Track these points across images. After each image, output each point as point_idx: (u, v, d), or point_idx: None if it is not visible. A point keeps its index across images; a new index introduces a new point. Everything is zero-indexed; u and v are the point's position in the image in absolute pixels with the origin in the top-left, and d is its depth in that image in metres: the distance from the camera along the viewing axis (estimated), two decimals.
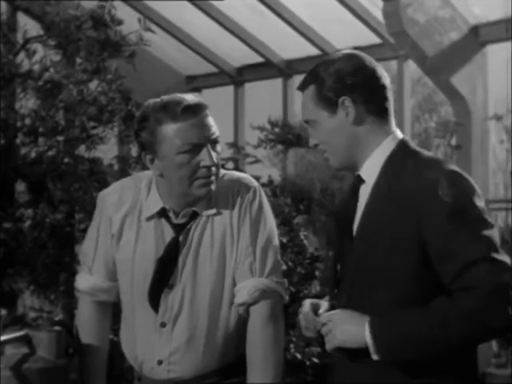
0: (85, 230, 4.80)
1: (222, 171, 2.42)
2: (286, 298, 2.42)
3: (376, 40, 6.40)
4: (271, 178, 5.50)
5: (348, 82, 2.12)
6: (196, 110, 2.29)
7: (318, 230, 5.31)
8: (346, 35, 6.54)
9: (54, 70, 4.15)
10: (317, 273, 4.49)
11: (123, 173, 4.29)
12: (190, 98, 2.31)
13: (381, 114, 2.15)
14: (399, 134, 2.17)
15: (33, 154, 4.50)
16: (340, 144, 2.15)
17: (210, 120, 2.32)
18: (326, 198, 5.46)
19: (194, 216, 2.37)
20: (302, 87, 2.19)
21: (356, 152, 2.16)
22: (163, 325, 2.36)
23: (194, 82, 7.94)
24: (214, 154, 2.30)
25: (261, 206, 2.39)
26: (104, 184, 4.14)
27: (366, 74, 2.14)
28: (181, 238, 2.35)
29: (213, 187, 2.33)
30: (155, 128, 2.28)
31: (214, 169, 2.31)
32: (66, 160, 4.20)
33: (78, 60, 4.35)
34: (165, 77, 7.77)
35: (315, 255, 4.56)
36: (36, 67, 4.42)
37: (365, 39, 6.48)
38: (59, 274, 4.79)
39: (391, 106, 2.18)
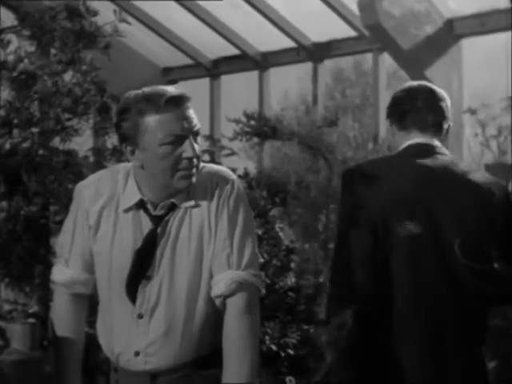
0: (60, 223, 4.77)
1: (201, 164, 2.43)
2: (263, 290, 2.43)
3: (351, 33, 6.42)
4: (247, 170, 5.50)
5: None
6: (179, 102, 2.29)
7: (294, 223, 5.33)
8: (321, 28, 6.55)
9: (28, 61, 4.10)
10: (292, 265, 4.51)
11: (98, 165, 4.26)
12: (172, 89, 2.32)
13: None
14: None
15: (7, 146, 4.46)
16: None
17: (192, 112, 2.33)
18: (301, 190, 5.47)
19: (173, 208, 2.37)
20: None
21: None
22: (140, 316, 2.37)
23: (170, 74, 7.91)
24: (196, 146, 2.31)
25: (239, 199, 2.40)
26: (79, 176, 4.10)
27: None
28: (159, 230, 2.36)
29: (193, 180, 2.34)
30: (137, 119, 2.28)
31: (195, 160, 2.32)
32: (41, 152, 4.15)
33: (53, 51, 4.31)
34: (141, 69, 7.74)
35: (290, 247, 4.57)
36: (10, 58, 4.38)
37: (340, 32, 6.50)
38: (34, 267, 4.75)
39: None
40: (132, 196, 2.38)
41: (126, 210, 2.38)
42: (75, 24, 4.11)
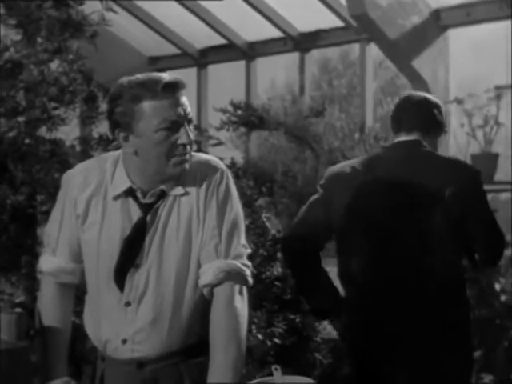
0: (47, 212, 4.76)
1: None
2: (251, 280, 2.44)
3: (339, 23, 6.41)
4: (234, 160, 5.50)
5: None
6: (175, 88, 2.31)
7: (280, 212, 5.34)
8: (309, 18, 6.54)
9: (14, 50, 4.09)
10: (278, 255, 4.51)
11: (85, 154, 4.26)
12: (168, 76, 2.33)
13: None
14: None
15: None
16: None
17: (186, 99, 2.34)
18: (287, 180, 5.48)
19: (162, 195, 2.37)
20: None
21: None
22: (128, 304, 2.37)
23: (157, 64, 7.88)
24: (190, 133, 2.33)
25: (228, 189, 2.41)
26: (66, 165, 4.10)
27: None
28: (148, 218, 2.36)
29: (187, 166, 2.35)
30: (132, 105, 2.28)
31: (189, 147, 2.33)
32: (27, 141, 4.15)
33: (39, 40, 4.30)
34: (127, 58, 7.71)
35: (277, 237, 4.57)
36: None
37: (327, 22, 6.49)
38: (21, 257, 4.75)
39: None
40: (121, 183, 2.38)
41: (115, 198, 2.39)
42: (62, 13, 4.09)
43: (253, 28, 6.99)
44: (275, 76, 11.20)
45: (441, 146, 5.84)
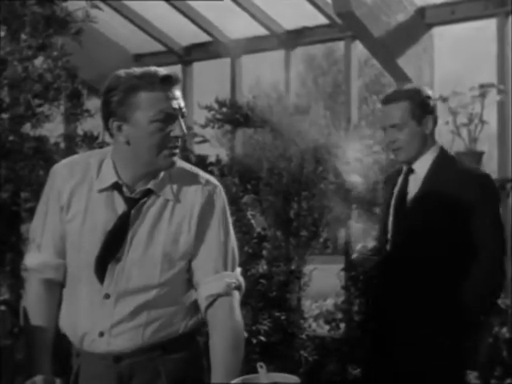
0: (31, 209, 4.74)
1: (183, 164, 2.50)
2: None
3: (323, 20, 6.41)
4: (219, 157, 5.50)
5: (431, 106, 3.27)
6: (172, 82, 2.37)
7: (266, 210, 5.33)
8: (293, 15, 6.53)
9: None
10: (264, 252, 4.52)
11: (69, 151, 4.24)
12: (164, 70, 2.40)
13: (434, 127, 3.29)
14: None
15: None
16: (417, 144, 3.20)
17: (180, 93, 2.41)
18: (273, 177, 5.47)
19: (148, 193, 2.40)
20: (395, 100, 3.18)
21: (419, 151, 3.21)
22: (107, 296, 2.38)
23: (142, 61, 7.84)
24: (183, 126, 2.38)
25: (225, 204, 2.50)
26: (50, 162, 4.08)
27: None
28: (133, 212, 2.38)
29: (176, 159, 2.40)
30: (129, 95, 2.34)
31: (180, 141, 2.39)
32: (11, 138, 4.12)
33: (23, 36, 4.27)
34: (111, 55, 7.67)
35: (262, 235, 4.57)
36: None
37: (312, 19, 6.48)
38: (5, 254, 4.72)
39: None
40: (107, 178, 2.41)
41: (100, 191, 2.41)
42: (46, 9, 4.07)
43: (238, 25, 6.98)
44: (260, 73, 11.20)
45: None
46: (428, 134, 3.25)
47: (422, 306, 3.08)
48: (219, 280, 2.44)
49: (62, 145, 4.45)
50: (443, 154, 3.26)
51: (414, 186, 3.23)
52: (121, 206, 2.40)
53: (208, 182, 2.49)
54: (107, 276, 2.37)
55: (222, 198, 2.50)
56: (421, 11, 5.89)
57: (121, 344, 2.38)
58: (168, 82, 2.36)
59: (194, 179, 2.48)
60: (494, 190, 3.24)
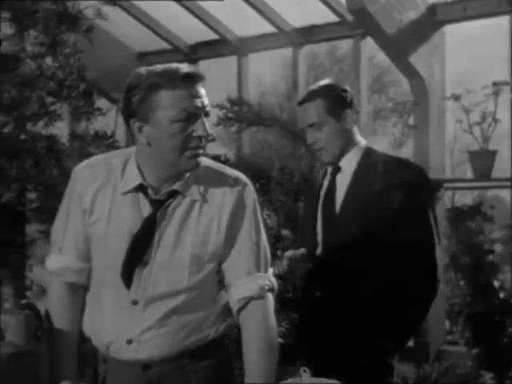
0: (36, 210, 4.68)
1: (209, 162, 2.40)
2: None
3: (332, 18, 6.34)
4: (227, 156, 5.43)
5: (348, 99, 3.02)
6: (195, 79, 2.26)
7: (277, 210, 5.26)
8: (302, 13, 6.47)
9: (8, 43, 3.99)
10: (278, 253, 4.45)
11: (82, 150, 4.17)
12: (186, 66, 2.28)
13: (356, 122, 3.07)
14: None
15: None
16: (339, 141, 3.00)
17: (204, 91, 2.29)
18: (284, 176, 5.41)
19: (173, 194, 2.31)
20: (309, 99, 2.99)
21: (343, 149, 3.02)
22: (135, 302, 2.30)
23: (146, 59, 7.77)
24: (207, 126, 2.26)
25: (256, 204, 2.40)
26: (62, 161, 4.03)
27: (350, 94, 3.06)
28: (158, 214, 2.29)
29: (200, 160, 2.30)
30: (150, 94, 2.24)
31: (204, 141, 2.27)
32: (23, 137, 4.05)
33: (34, 33, 4.20)
34: (115, 53, 7.60)
35: (278, 235, 4.51)
36: None
37: (321, 17, 6.42)
38: (9, 255, 4.67)
39: None
40: (132, 179, 2.33)
41: (125, 193, 2.32)
42: (58, 6, 4.00)
43: (245, 23, 6.91)
44: (266, 72, 11.16)
45: (438, 142, 5.84)
46: (350, 130, 3.03)
47: (355, 317, 2.94)
48: (252, 282, 2.36)
49: (73, 144, 4.37)
50: (370, 150, 3.06)
51: (342, 185, 3.03)
52: (146, 208, 2.32)
53: (237, 180, 2.39)
54: (134, 280, 2.30)
55: (252, 197, 2.40)
56: (432, 8, 5.83)
57: (150, 351, 2.31)
58: (190, 79, 2.24)
59: (221, 178, 2.38)
60: (422, 186, 3.00)
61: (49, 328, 2.42)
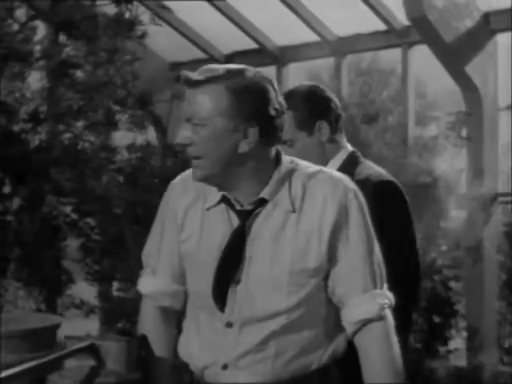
0: (72, 223, 4.52)
1: (302, 163, 2.18)
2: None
3: (381, 26, 6.17)
4: None
5: (321, 108, 2.69)
6: (186, 83, 2.10)
7: None
8: (347, 20, 6.30)
9: (68, 50, 3.81)
10: None
11: (143, 162, 3.97)
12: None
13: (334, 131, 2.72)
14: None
15: (36, 141, 4.17)
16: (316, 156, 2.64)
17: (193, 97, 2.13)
18: None
19: (261, 203, 2.10)
20: None
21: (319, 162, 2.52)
22: (230, 325, 2.10)
23: (179, 69, 7.58)
24: (181, 132, 2.11)
25: (363, 208, 2.15)
26: (120, 173, 3.86)
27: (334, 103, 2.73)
28: (247, 225, 2.10)
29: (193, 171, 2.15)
30: None
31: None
32: (81, 147, 3.86)
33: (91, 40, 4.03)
34: (146, 63, 7.41)
35: None
36: (37, 47, 4.10)
37: (368, 25, 6.25)
38: (43, 268, 4.54)
39: None
40: (217, 191, 2.13)
41: (213, 207, 2.14)
42: (121, 9, 3.83)
43: (285, 31, 6.73)
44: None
45: (492, 154, 5.66)
46: (326, 142, 2.71)
47: None
48: (370, 301, 2.13)
49: (133, 155, 4.16)
50: (352, 158, 2.74)
51: None
52: (236, 221, 2.12)
53: (337, 185, 2.13)
54: (228, 301, 2.11)
55: (358, 203, 2.14)
56: (486, 17, 5.67)
57: (248, 377, 2.12)
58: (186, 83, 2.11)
59: (320, 182, 2.13)
60: (391, 200, 2.71)
61: (145, 354, 2.25)
